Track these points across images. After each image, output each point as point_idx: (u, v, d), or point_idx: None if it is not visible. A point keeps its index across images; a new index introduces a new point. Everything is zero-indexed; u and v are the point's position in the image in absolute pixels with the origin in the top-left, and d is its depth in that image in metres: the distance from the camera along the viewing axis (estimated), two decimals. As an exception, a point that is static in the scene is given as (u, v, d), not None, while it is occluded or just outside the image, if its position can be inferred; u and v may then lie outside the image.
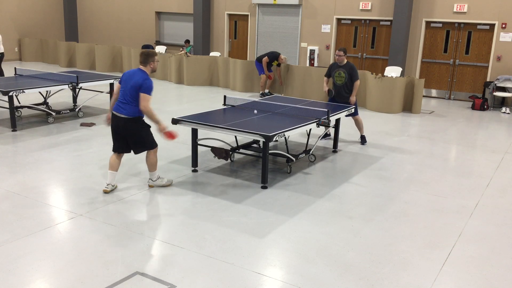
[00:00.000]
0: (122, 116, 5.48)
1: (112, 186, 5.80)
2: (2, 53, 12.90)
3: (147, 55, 5.55)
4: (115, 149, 5.71)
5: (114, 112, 5.54)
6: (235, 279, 3.98)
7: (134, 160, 7.01)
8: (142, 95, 5.39)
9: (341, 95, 8.12)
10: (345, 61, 8.09)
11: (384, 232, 4.96)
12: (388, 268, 4.25)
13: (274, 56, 12.60)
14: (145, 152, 5.78)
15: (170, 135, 5.64)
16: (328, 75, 8.32)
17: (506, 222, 5.33)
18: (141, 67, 5.57)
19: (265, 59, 12.51)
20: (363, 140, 8.38)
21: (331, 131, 8.59)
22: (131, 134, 5.58)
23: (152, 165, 5.82)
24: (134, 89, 5.42)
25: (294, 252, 4.47)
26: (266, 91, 13.01)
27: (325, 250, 4.54)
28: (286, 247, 4.57)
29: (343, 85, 8.06)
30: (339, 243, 4.69)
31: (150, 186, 5.95)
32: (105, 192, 5.74)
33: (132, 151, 5.76)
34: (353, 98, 8.06)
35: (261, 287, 3.90)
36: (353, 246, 4.63)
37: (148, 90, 5.41)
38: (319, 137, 7.57)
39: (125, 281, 3.89)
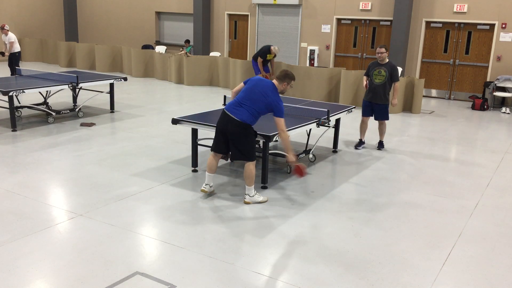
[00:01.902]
0: (236, 119, 5.21)
1: (210, 187, 5.61)
2: (19, 52, 13.14)
3: (287, 75, 5.38)
4: (215, 149, 5.48)
5: (227, 112, 5.27)
6: (235, 279, 3.98)
7: (134, 159, 7.01)
8: (278, 119, 5.19)
9: (378, 95, 7.74)
10: (387, 59, 7.75)
11: (384, 232, 4.96)
12: (388, 268, 4.25)
13: (265, 51, 12.13)
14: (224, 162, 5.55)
15: (299, 171, 5.32)
16: (367, 73, 7.88)
17: (506, 222, 5.33)
18: (276, 82, 5.35)
19: (259, 59, 12.14)
20: (380, 145, 8.05)
21: (329, 131, 8.58)
22: (237, 138, 5.28)
23: (249, 179, 5.44)
24: (259, 100, 5.21)
25: (294, 252, 4.47)
26: None
27: (325, 250, 4.54)
28: (286, 247, 4.57)
29: (381, 85, 7.68)
30: (339, 243, 4.69)
31: (246, 203, 5.53)
32: (203, 191, 5.58)
33: (229, 156, 5.54)
34: (395, 101, 7.79)
35: (261, 287, 3.90)
36: (353, 246, 4.63)
37: (281, 113, 5.19)
38: (319, 137, 7.56)
39: (125, 281, 3.89)
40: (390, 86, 7.76)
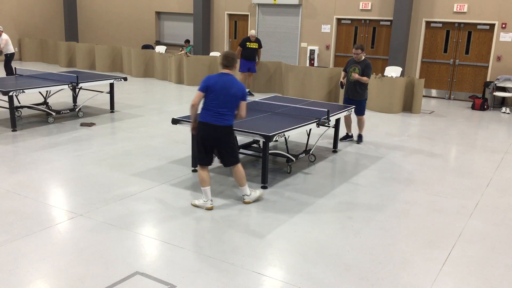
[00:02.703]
0: (221, 125, 5.17)
1: (211, 201, 5.44)
2: (13, 53, 13.15)
3: (233, 58, 5.26)
4: (205, 162, 5.34)
5: (209, 123, 5.18)
6: (235, 279, 3.98)
7: (134, 159, 7.01)
8: (244, 103, 5.24)
9: (354, 91, 8.13)
10: (363, 58, 8.11)
11: (384, 232, 4.96)
12: (388, 268, 4.25)
13: (244, 40, 12.34)
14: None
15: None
16: (345, 69, 8.33)
17: (506, 222, 5.33)
18: (228, 71, 5.27)
19: (238, 48, 12.32)
20: (359, 138, 8.46)
21: (329, 131, 8.59)
22: (226, 145, 5.27)
23: (242, 179, 5.43)
24: (236, 99, 5.18)
25: (294, 252, 4.47)
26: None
27: (325, 250, 4.54)
28: (286, 247, 4.57)
29: (356, 81, 8.07)
30: (339, 243, 4.69)
31: (247, 203, 5.53)
32: (209, 209, 5.35)
33: (222, 163, 5.45)
34: (356, 76, 7.94)
35: (261, 287, 3.90)
36: (353, 246, 4.63)
37: (246, 97, 5.31)
38: (319, 137, 7.58)
39: (125, 281, 3.89)
40: (365, 83, 8.13)
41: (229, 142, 5.29)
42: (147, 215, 5.16)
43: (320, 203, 5.67)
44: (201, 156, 5.33)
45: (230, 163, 5.39)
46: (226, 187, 6.06)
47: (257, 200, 5.63)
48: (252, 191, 5.59)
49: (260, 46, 12.51)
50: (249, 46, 12.35)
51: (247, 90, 12.79)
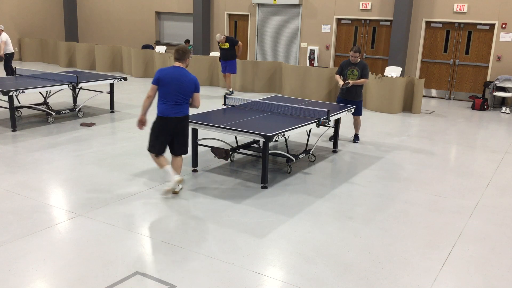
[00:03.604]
0: (177, 117, 5.44)
1: (177, 175, 5.62)
2: (13, 53, 13.13)
3: (185, 52, 5.50)
4: (159, 151, 5.57)
5: (166, 115, 5.42)
6: (235, 279, 3.98)
7: (134, 159, 7.01)
8: (197, 95, 5.48)
9: (352, 93, 8.18)
10: (359, 59, 8.18)
11: (384, 232, 4.96)
12: (388, 268, 4.25)
13: (218, 42, 12.46)
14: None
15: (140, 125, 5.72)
16: (340, 73, 8.32)
17: (506, 222, 5.33)
18: (180, 64, 5.49)
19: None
20: (356, 138, 8.54)
21: (329, 130, 8.59)
22: (182, 134, 5.57)
23: (179, 168, 5.75)
24: (189, 89, 5.42)
25: (294, 252, 4.47)
26: (230, 90, 12.90)
27: (325, 250, 4.54)
28: (286, 247, 4.57)
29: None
30: (339, 243, 4.69)
31: (175, 193, 5.74)
32: (180, 181, 5.58)
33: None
34: (351, 82, 7.98)
35: (261, 287, 3.90)
36: (353, 246, 4.63)
37: (199, 88, 5.54)
38: (319, 137, 7.58)
39: (125, 281, 3.89)
40: (364, 84, 8.24)
41: (184, 132, 5.59)
42: (147, 215, 5.16)
43: (320, 203, 5.67)
44: (156, 146, 5.57)
45: (180, 152, 5.67)
46: (227, 187, 6.06)
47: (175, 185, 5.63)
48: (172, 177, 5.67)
49: (233, 43, 12.35)
50: (222, 47, 12.46)
51: (230, 90, 12.78)
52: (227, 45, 12.37)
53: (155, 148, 5.58)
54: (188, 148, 5.77)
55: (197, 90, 5.52)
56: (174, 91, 5.39)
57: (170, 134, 5.55)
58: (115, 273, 4.01)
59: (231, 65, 12.50)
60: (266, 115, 6.88)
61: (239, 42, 12.50)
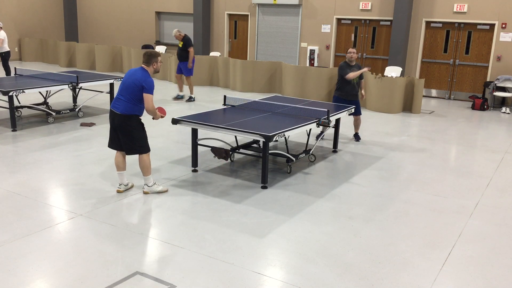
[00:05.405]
0: (118, 112, 5.48)
1: (125, 185, 5.82)
2: (8, 52, 13.09)
3: (150, 55, 5.54)
4: (110, 146, 5.74)
5: (111, 108, 5.57)
6: (235, 279, 3.98)
7: (133, 159, 7.01)
8: (146, 95, 5.41)
9: (353, 93, 8.29)
10: (354, 62, 8.36)
11: (384, 232, 4.96)
12: (388, 268, 4.25)
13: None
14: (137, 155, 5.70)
15: (161, 110, 5.75)
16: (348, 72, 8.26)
17: (506, 222, 5.33)
18: (144, 66, 5.55)
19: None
20: (357, 137, 8.62)
21: (329, 130, 8.59)
22: (123, 133, 5.54)
23: (144, 169, 5.66)
24: (132, 87, 5.42)
25: (294, 252, 4.47)
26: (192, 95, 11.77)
27: (325, 250, 4.54)
28: (286, 247, 4.57)
29: (356, 83, 8.27)
30: (339, 243, 4.69)
31: (146, 193, 5.75)
32: (118, 192, 5.76)
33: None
34: (364, 93, 8.62)
35: (261, 287, 3.90)
36: (353, 246, 4.63)
37: (151, 89, 5.43)
38: (318, 138, 7.58)
39: (125, 281, 3.89)
40: (360, 82, 8.47)
41: (126, 130, 5.54)
42: (147, 215, 5.17)
43: (320, 203, 5.67)
44: (110, 139, 5.71)
45: (128, 151, 5.66)
46: (227, 187, 6.06)
47: (159, 192, 5.79)
48: (155, 184, 5.79)
49: (186, 45, 11.17)
50: (179, 45, 11.33)
51: (191, 95, 11.62)
52: (181, 45, 11.25)
53: (109, 142, 5.72)
54: (140, 150, 5.58)
55: (146, 91, 5.39)
56: (121, 87, 5.53)
57: (113, 128, 5.60)
58: (115, 273, 4.01)
59: (184, 66, 11.40)
60: (266, 115, 6.88)
61: (191, 48, 11.21)
